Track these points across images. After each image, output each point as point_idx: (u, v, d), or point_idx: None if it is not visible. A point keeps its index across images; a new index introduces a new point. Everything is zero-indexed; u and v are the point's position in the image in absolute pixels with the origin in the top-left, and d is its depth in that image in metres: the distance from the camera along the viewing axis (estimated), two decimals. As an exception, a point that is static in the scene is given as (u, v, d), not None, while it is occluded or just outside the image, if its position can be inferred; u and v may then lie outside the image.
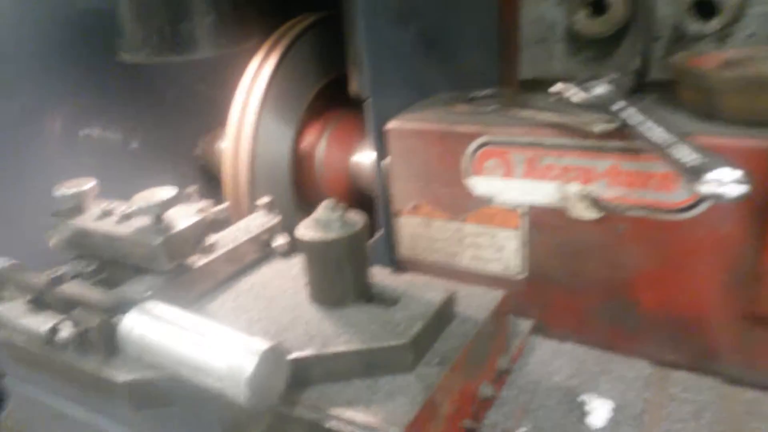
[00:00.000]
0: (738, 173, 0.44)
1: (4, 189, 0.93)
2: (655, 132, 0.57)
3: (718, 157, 0.48)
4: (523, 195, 0.71)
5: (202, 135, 1.09)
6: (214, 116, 1.15)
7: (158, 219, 0.59)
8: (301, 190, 0.92)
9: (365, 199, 0.91)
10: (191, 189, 0.79)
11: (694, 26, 0.90)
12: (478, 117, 0.75)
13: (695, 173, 0.46)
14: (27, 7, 0.89)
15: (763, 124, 0.58)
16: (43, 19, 0.92)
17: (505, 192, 0.72)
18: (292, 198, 0.86)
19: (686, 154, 0.50)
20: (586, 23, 1.03)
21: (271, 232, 0.71)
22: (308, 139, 0.90)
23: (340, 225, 0.57)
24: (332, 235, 0.56)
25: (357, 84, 0.77)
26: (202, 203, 0.79)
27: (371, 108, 0.79)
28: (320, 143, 0.90)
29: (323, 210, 0.58)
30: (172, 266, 0.59)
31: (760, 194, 0.56)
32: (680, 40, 0.97)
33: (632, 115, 0.62)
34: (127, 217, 0.62)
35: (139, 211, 0.58)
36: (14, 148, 0.95)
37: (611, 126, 0.61)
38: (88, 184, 0.66)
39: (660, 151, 0.55)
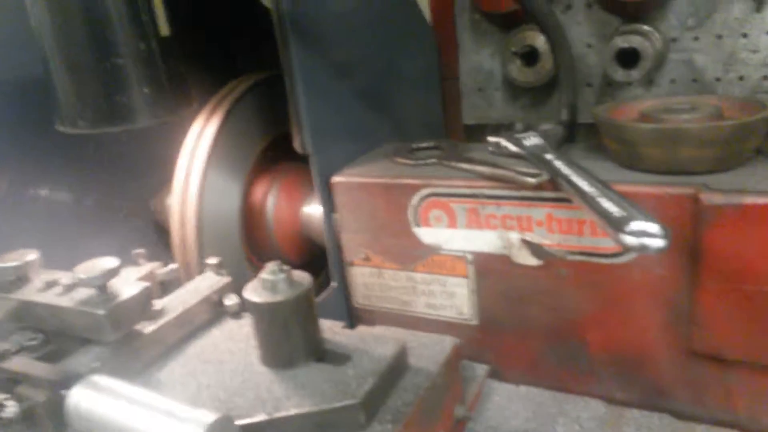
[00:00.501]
0: (657, 227, 0.47)
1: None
2: (582, 183, 0.61)
3: (639, 209, 0.51)
4: (468, 243, 0.73)
5: (155, 191, 1.09)
6: (167, 171, 1.15)
7: (102, 289, 0.59)
8: (253, 245, 0.92)
9: (319, 250, 0.92)
10: (138, 251, 0.78)
11: (619, 74, 0.96)
12: (420, 169, 0.78)
13: (617, 226, 0.49)
14: None
15: (682, 172, 0.62)
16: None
17: (451, 241, 0.74)
18: (243, 254, 0.87)
19: (609, 206, 0.53)
20: (519, 73, 1.08)
21: (221, 292, 0.71)
22: (257, 194, 0.91)
23: (287, 286, 0.58)
24: (279, 297, 0.57)
25: (299, 141, 0.79)
26: (150, 265, 0.78)
27: (315, 163, 0.81)
28: (269, 197, 0.91)
29: (268, 271, 0.58)
30: (118, 336, 0.58)
31: (687, 239, 0.60)
32: (609, 86, 1.03)
33: (561, 166, 0.66)
34: (70, 288, 0.61)
35: (82, 282, 0.58)
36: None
37: (543, 178, 0.64)
38: (31, 255, 0.66)
39: (586, 202, 0.58)
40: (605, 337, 0.69)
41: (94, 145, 1.06)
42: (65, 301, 0.59)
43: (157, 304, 0.65)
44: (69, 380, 0.53)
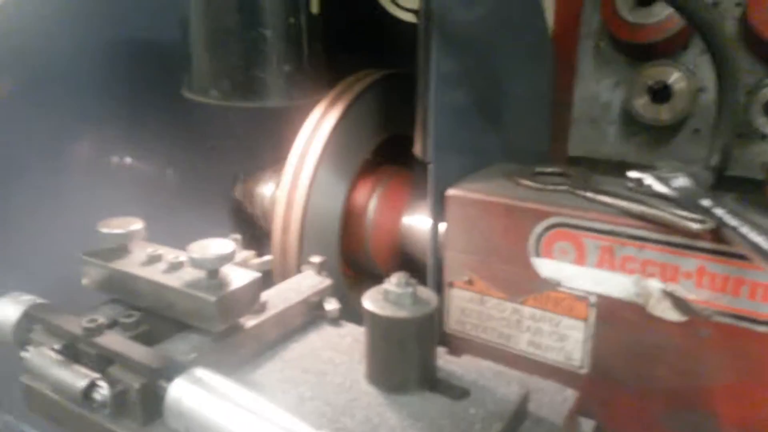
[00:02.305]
0: None
1: (28, 210, 0.88)
2: (758, 239, 0.53)
3: None
4: (595, 284, 0.66)
5: (239, 177, 1.05)
6: (252, 159, 1.12)
7: (213, 274, 0.54)
8: (347, 248, 0.87)
9: (412, 264, 0.86)
10: (234, 237, 0.74)
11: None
12: (549, 195, 0.71)
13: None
14: (80, 25, 0.86)
15: None
16: (92, 39, 0.89)
17: (575, 279, 0.67)
18: (339, 256, 0.81)
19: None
20: (647, 109, 1.01)
21: (321, 294, 0.66)
22: (359, 197, 0.86)
23: (412, 302, 0.52)
24: (403, 313, 0.51)
25: (421, 147, 0.74)
26: (244, 254, 0.74)
27: (432, 172, 0.75)
28: (371, 201, 0.86)
29: (395, 283, 0.53)
30: (223, 327, 0.53)
31: None
32: (739, 137, 0.94)
33: (726, 215, 0.58)
34: (176, 266, 0.57)
35: (194, 263, 0.53)
36: (42, 168, 0.91)
37: (708, 226, 0.57)
38: (135, 224, 0.62)
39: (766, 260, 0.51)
40: (742, 413, 0.61)
41: (182, 120, 1.03)
42: (171, 280, 0.55)
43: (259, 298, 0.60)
44: (168, 369, 0.48)
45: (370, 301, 0.53)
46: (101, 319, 0.54)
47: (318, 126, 0.77)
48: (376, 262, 0.87)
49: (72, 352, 0.53)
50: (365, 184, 0.87)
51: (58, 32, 0.84)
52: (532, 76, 1.07)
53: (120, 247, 0.61)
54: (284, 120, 0.87)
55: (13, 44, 0.80)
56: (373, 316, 0.52)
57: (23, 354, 0.54)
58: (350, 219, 0.85)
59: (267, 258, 0.75)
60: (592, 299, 0.67)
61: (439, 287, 0.79)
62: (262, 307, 0.60)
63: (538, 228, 0.69)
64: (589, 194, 0.69)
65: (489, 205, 0.72)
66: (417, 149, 0.74)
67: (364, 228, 0.85)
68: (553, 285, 0.69)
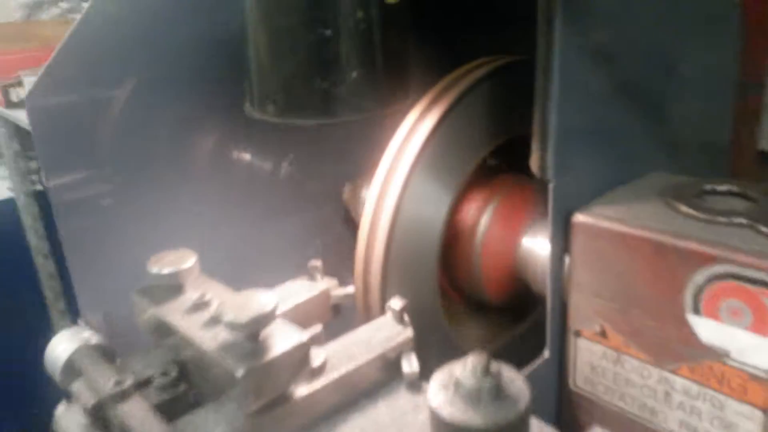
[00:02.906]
0: None
1: (153, 208, 0.85)
2: None
3: None
4: (784, 366, 0.46)
5: (349, 179, 0.96)
6: (365, 160, 1.02)
7: (251, 337, 0.44)
8: (451, 270, 0.74)
9: (531, 295, 0.70)
10: (314, 264, 0.65)
11: None
12: (718, 231, 0.51)
13: None
14: (201, 17, 0.82)
15: None
16: (212, 31, 0.85)
17: (751, 352, 0.48)
18: (437, 281, 0.68)
19: None
20: None
21: (400, 349, 0.53)
22: (468, 211, 0.72)
23: (494, 400, 0.38)
24: (480, 419, 0.37)
25: (538, 159, 0.57)
26: (325, 283, 0.64)
27: (554, 191, 0.58)
28: (484, 215, 0.71)
29: (470, 371, 0.39)
30: (257, 405, 0.43)
31: None
32: None
33: None
34: (216, 320, 0.48)
35: (228, 324, 0.44)
36: (167, 164, 0.89)
37: None
38: (187, 261, 0.54)
39: None
40: None
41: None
42: (207, 338, 0.46)
43: (316, 356, 0.49)
44: (183, 460, 0.39)
45: (440, 393, 0.39)
46: (129, 380, 0.46)
47: (418, 123, 0.64)
48: (487, 290, 0.72)
49: (101, 414, 0.47)
50: (477, 195, 0.72)
51: (179, 24, 0.81)
52: (709, 50, 0.83)
53: (175, 286, 0.54)
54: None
55: (137, 36, 0.77)
56: (437, 417, 0.38)
57: (56, 410, 0.49)
58: (455, 235, 0.71)
59: (350, 290, 0.64)
60: (778, 385, 0.47)
61: (563, 334, 0.62)
62: (319, 370, 0.49)
63: (700, 277, 0.50)
64: (780, 232, 0.48)
65: (631, 240, 0.54)
66: (533, 162, 0.58)
67: (474, 248, 0.71)
68: (717, 355, 0.50)
